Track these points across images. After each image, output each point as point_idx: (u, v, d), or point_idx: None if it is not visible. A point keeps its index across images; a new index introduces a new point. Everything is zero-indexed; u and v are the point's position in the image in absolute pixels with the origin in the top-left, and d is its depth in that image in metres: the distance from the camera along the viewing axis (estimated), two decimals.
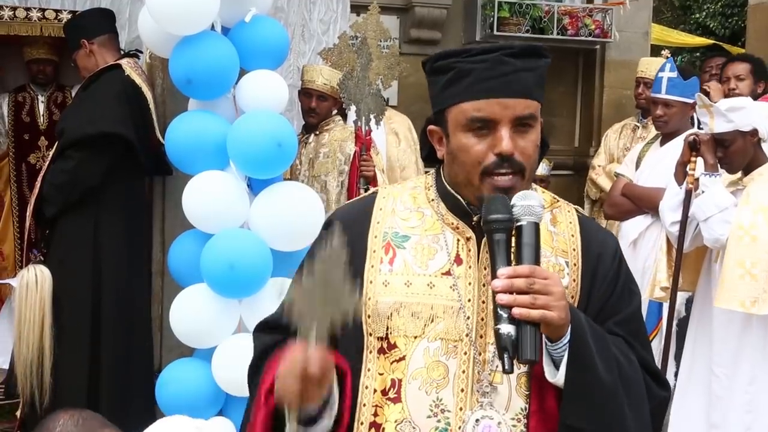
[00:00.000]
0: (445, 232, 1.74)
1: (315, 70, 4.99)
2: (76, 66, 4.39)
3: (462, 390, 1.65)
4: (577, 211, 1.82)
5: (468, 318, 1.67)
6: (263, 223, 3.81)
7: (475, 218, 1.70)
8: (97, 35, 4.29)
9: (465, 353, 1.66)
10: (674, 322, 4.40)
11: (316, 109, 5.01)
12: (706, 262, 3.78)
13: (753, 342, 3.55)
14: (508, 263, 1.56)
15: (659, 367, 3.86)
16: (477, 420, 1.63)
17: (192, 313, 3.81)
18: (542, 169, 6.68)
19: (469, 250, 1.72)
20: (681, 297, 4.28)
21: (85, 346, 4.09)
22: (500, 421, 1.63)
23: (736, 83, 4.96)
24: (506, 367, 1.51)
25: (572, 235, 1.76)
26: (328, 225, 1.81)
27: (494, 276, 1.55)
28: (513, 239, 1.59)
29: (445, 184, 1.76)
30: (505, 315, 1.52)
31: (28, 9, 4.66)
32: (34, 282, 3.98)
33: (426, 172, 1.89)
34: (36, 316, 3.98)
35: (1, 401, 5.14)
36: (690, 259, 3.84)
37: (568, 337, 1.59)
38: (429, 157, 1.81)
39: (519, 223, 1.59)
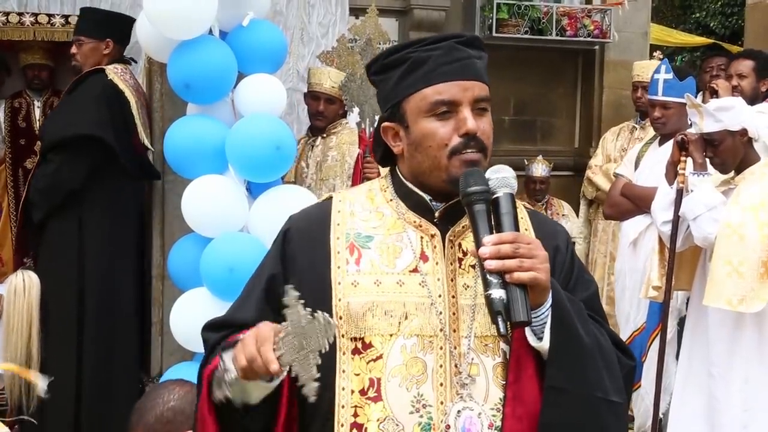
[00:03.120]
0: (407, 231, 1.77)
1: (323, 72, 4.92)
2: (78, 47, 4.33)
3: (441, 384, 1.68)
4: (525, 206, 1.87)
5: (440, 313, 1.71)
6: (262, 227, 3.81)
7: (437, 213, 1.75)
8: (122, 43, 4.35)
9: (441, 348, 1.69)
10: (675, 322, 4.40)
11: (324, 112, 4.94)
12: (702, 261, 3.78)
13: (746, 341, 3.55)
14: (491, 232, 1.61)
15: (656, 367, 3.90)
16: (458, 412, 1.67)
17: (192, 316, 3.80)
18: (541, 170, 6.68)
19: (434, 247, 1.75)
20: (683, 296, 4.27)
21: (72, 349, 4.10)
22: (480, 411, 1.68)
23: (738, 81, 4.93)
24: (501, 330, 1.55)
25: (525, 229, 1.81)
26: (285, 231, 1.83)
27: (479, 245, 1.59)
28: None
29: (405, 182, 1.79)
30: (494, 281, 1.56)
31: (21, 14, 4.67)
32: (22, 287, 3.99)
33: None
34: (23, 321, 3.99)
35: None
36: (686, 258, 3.84)
37: (549, 302, 1.64)
38: (384, 159, 1.85)
39: (496, 195, 1.63)
